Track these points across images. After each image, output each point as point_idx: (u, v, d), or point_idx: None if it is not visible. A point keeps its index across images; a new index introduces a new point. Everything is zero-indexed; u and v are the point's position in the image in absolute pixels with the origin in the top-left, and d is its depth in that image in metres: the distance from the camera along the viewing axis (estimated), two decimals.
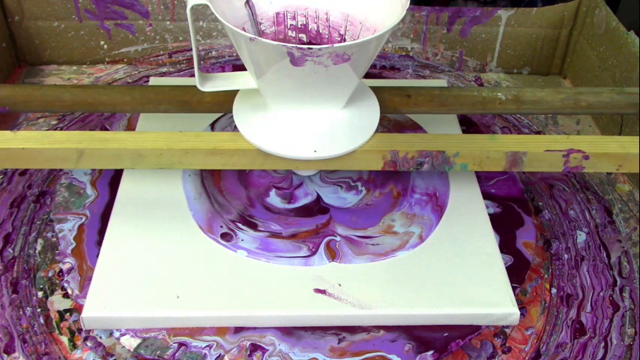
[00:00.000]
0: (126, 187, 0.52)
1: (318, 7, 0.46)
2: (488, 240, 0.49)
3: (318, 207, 0.52)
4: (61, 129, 0.60)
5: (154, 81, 0.63)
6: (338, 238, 0.49)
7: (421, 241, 0.49)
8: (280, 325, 0.44)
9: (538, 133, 0.64)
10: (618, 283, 0.49)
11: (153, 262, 0.46)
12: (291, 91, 0.44)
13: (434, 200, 0.52)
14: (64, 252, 0.48)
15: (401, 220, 0.51)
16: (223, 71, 0.69)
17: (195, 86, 0.45)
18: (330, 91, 0.44)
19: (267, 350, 0.43)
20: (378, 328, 0.44)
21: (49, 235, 0.50)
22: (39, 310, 0.45)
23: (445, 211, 0.51)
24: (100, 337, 0.43)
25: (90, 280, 0.45)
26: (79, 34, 0.67)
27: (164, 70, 0.69)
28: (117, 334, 0.43)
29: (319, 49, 0.37)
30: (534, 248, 0.51)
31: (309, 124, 0.46)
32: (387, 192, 0.53)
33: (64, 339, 0.43)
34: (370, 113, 0.48)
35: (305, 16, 0.47)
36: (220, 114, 0.59)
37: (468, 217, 0.51)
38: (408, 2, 0.41)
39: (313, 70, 0.39)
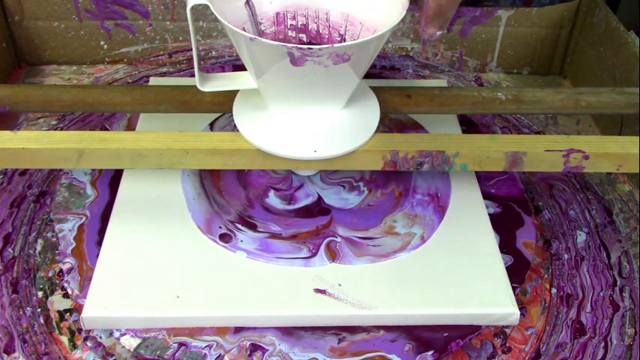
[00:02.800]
0: (126, 187, 0.52)
1: (318, 7, 0.46)
2: (489, 240, 0.49)
3: (318, 208, 0.52)
4: (61, 129, 0.60)
5: (153, 81, 0.63)
6: (338, 239, 0.49)
7: (422, 242, 0.49)
8: (280, 325, 0.44)
9: (538, 133, 0.64)
10: (618, 283, 0.49)
11: (153, 262, 0.46)
12: (291, 91, 0.44)
13: (435, 201, 0.52)
14: (64, 252, 0.48)
15: (403, 220, 0.51)
16: (223, 71, 0.69)
17: (195, 86, 0.45)
18: (330, 91, 0.44)
19: (267, 350, 0.43)
20: (378, 328, 0.44)
21: (49, 235, 0.50)
22: (39, 310, 0.45)
23: (447, 211, 0.51)
24: (100, 337, 0.43)
25: (90, 280, 0.45)
26: (79, 34, 0.67)
27: (164, 70, 0.69)
28: (117, 334, 0.43)
29: (319, 49, 0.37)
30: (534, 248, 0.51)
31: (309, 124, 0.46)
32: (389, 192, 0.53)
33: (64, 339, 0.43)
34: (370, 113, 0.48)
35: (305, 16, 0.47)
36: (219, 114, 0.59)
37: (468, 217, 0.51)
38: (408, 2, 0.41)
39: (313, 70, 0.39)
